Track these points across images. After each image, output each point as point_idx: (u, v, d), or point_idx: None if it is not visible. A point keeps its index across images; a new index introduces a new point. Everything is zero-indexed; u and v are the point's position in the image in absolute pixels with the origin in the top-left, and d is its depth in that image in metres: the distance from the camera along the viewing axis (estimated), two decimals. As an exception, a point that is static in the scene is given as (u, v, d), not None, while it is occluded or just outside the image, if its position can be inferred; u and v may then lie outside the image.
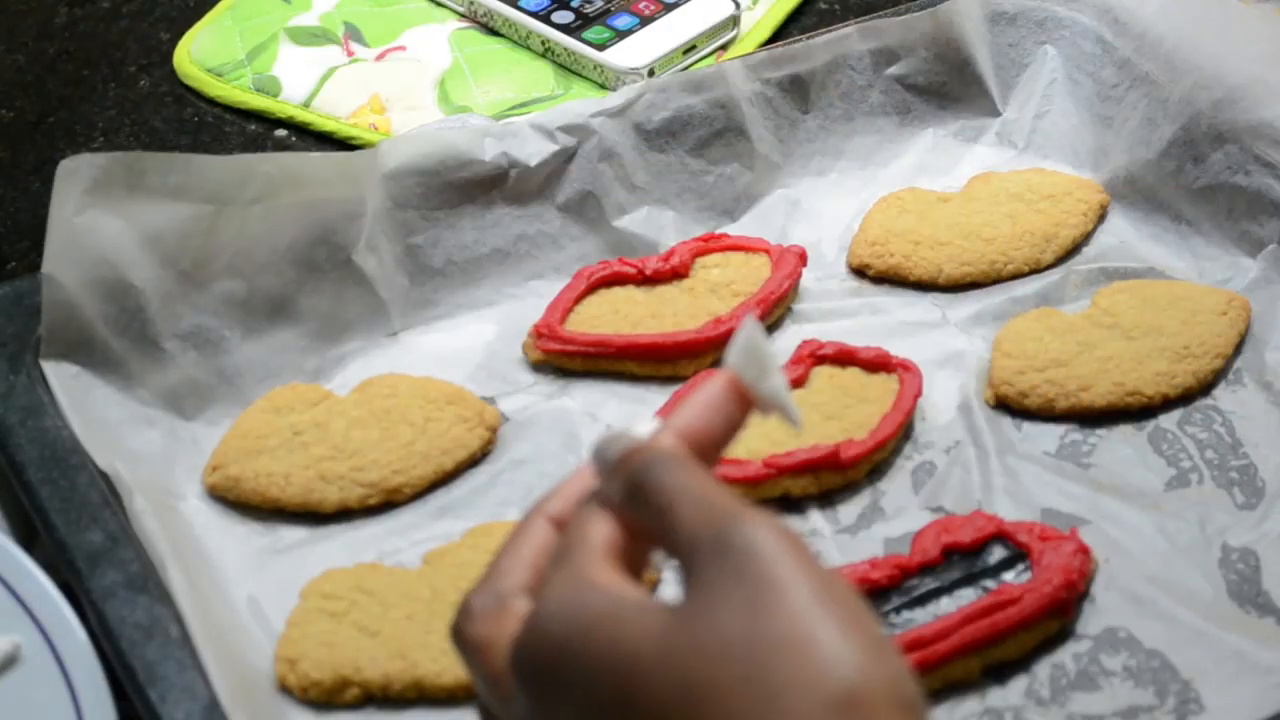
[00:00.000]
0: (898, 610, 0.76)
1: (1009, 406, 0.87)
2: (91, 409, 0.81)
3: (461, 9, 1.09)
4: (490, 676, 0.56)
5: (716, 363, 0.89)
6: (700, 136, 0.96)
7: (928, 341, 0.90)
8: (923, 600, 0.76)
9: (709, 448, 0.57)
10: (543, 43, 1.06)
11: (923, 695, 0.51)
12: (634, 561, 0.56)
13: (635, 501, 0.55)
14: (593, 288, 0.91)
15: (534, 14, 1.06)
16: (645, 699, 0.50)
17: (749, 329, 0.58)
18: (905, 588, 0.77)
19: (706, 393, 0.58)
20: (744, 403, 0.58)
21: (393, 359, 0.89)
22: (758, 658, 0.49)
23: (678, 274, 0.92)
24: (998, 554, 0.78)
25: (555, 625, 0.53)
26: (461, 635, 0.57)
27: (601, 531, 0.55)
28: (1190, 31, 0.96)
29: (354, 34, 1.08)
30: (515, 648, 0.54)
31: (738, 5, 1.07)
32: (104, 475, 0.78)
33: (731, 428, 0.58)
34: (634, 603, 0.53)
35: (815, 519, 0.82)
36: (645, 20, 1.06)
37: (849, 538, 0.81)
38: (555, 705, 0.53)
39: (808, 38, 0.99)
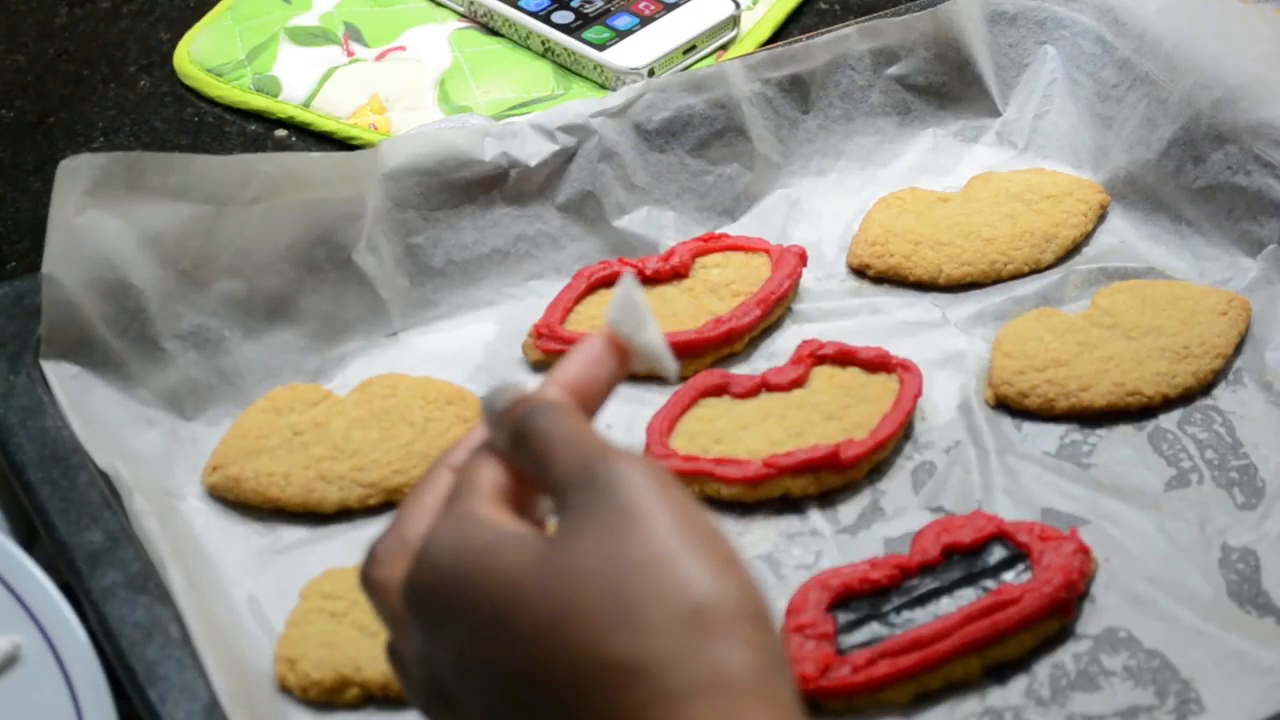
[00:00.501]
0: (898, 610, 0.76)
1: (1009, 406, 0.87)
2: (91, 409, 0.81)
3: (461, 9, 1.09)
4: (391, 616, 0.60)
5: (716, 362, 0.89)
6: (700, 136, 0.96)
7: (928, 341, 0.90)
8: (923, 600, 0.76)
9: (590, 398, 0.61)
10: (543, 43, 1.06)
11: (770, 607, 0.55)
12: (522, 504, 0.59)
13: (518, 447, 0.59)
14: (593, 288, 0.91)
15: (534, 14, 1.06)
16: (520, 620, 0.55)
17: (626, 285, 0.61)
18: (905, 588, 0.77)
19: (587, 348, 0.62)
20: (622, 356, 0.62)
21: (393, 359, 0.89)
22: (618, 578, 0.54)
23: (678, 274, 0.92)
24: (998, 554, 0.78)
25: (440, 558, 0.57)
26: (367, 578, 0.61)
27: (489, 475, 0.59)
28: (1190, 31, 0.96)
29: (354, 34, 1.08)
30: (406, 582, 0.58)
31: (738, 5, 1.07)
32: (104, 475, 0.78)
33: (612, 379, 0.62)
34: (513, 534, 0.57)
35: (815, 519, 0.82)
36: (645, 20, 1.06)
37: (849, 538, 0.81)
38: (442, 632, 0.57)
39: (808, 38, 0.99)
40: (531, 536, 0.57)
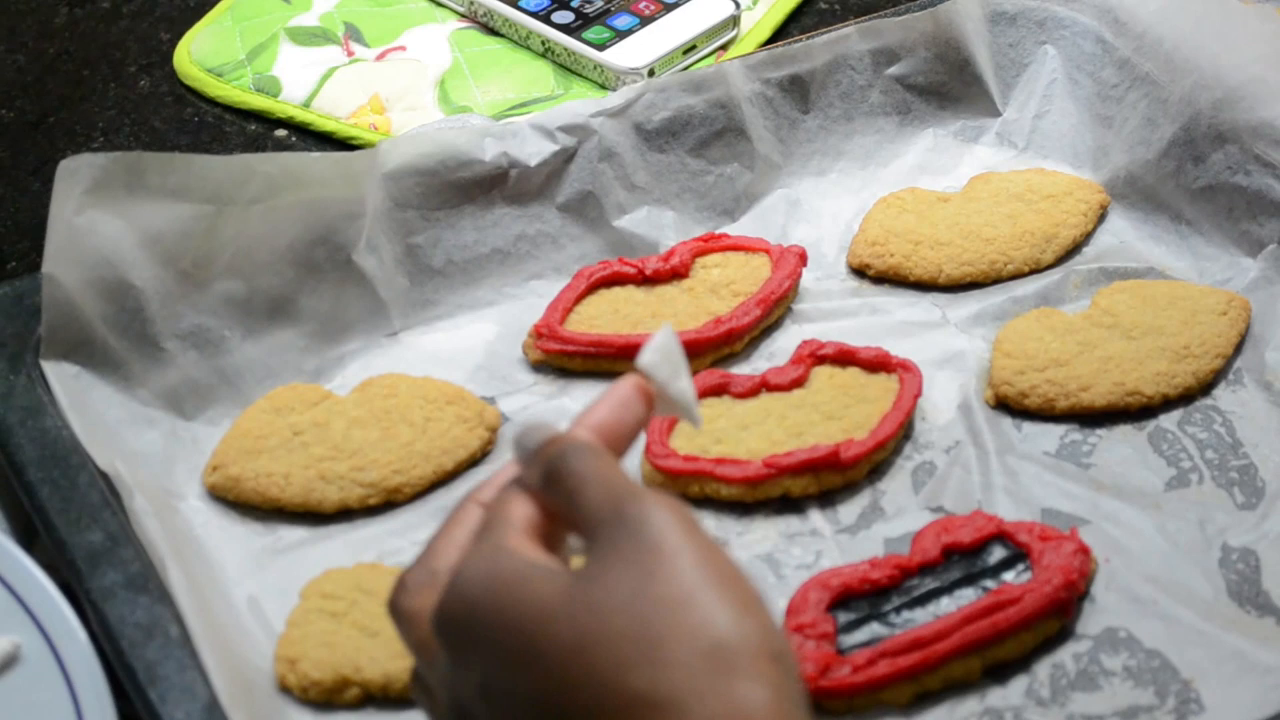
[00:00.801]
0: (898, 610, 0.76)
1: (1009, 406, 0.87)
2: (91, 409, 0.81)
3: (461, 9, 1.09)
4: (418, 643, 0.61)
5: (716, 362, 0.89)
6: (700, 136, 0.96)
7: (928, 341, 0.90)
8: (923, 600, 0.76)
9: (618, 441, 0.63)
10: (543, 43, 1.06)
11: (789, 648, 0.57)
12: (550, 539, 0.61)
13: (550, 485, 0.61)
14: (593, 288, 0.91)
15: (534, 14, 1.06)
16: (546, 650, 0.56)
17: (665, 334, 0.63)
18: (905, 588, 0.77)
19: (617, 392, 0.64)
20: (648, 402, 0.64)
21: (393, 359, 0.89)
22: (644, 613, 0.55)
23: (678, 274, 0.92)
24: (998, 554, 0.78)
25: (470, 587, 0.59)
26: (396, 607, 0.62)
27: (520, 510, 0.61)
28: (1190, 31, 0.96)
29: (354, 34, 1.08)
30: (436, 610, 0.59)
31: (738, 5, 1.07)
32: (104, 475, 0.78)
33: (638, 424, 0.64)
34: (542, 567, 0.58)
35: (815, 519, 0.82)
36: (645, 20, 1.06)
37: (849, 538, 0.81)
38: (470, 659, 0.58)
39: (808, 38, 0.99)
40: (560, 570, 0.58)
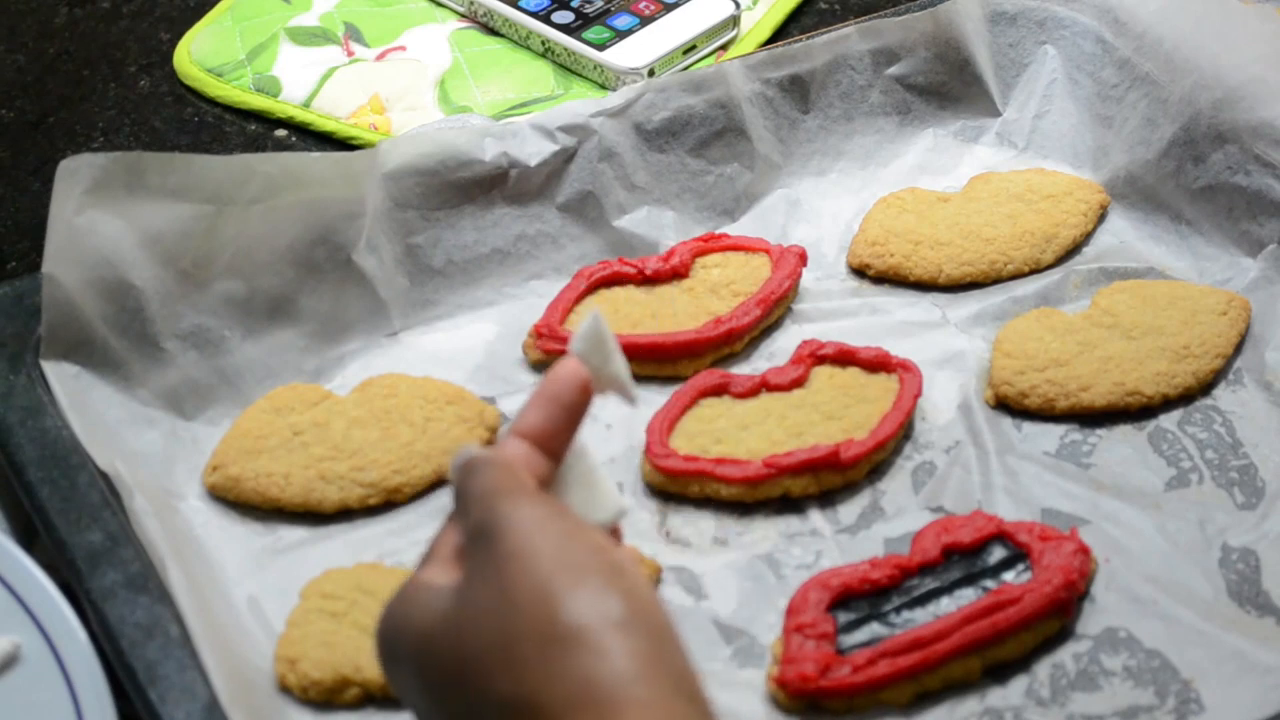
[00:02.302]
0: (898, 610, 0.76)
1: (1009, 406, 0.87)
2: (91, 409, 0.81)
3: (461, 9, 1.09)
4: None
5: (716, 362, 0.89)
6: (700, 136, 0.96)
7: (928, 341, 0.90)
8: (923, 600, 0.76)
9: (554, 438, 0.64)
10: (543, 43, 1.06)
11: (649, 609, 0.58)
12: None
13: (457, 508, 0.62)
14: (593, 288, 0.91)
15: (534, 14, 1.06)
16: (437, 677, 0.59)
17: (593, 320, 0.64)
18: (905, 588, 0.77)
19: (546, 388, 0.64)
20: (585, 392, 0.64)
21: (393, 359, 0.89)
22: (501, 621, 0.57)
23: (678, 274, 0.92)
24: (998, 554, 0.78)
25: (383, 625, 0.61)
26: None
27: (445, 537, 0.63)
28: (1190, 31, 0.96)
29: (354, 34, 1.08)
30: (376, 645, 0.63)
31: (738, 5, 1.07)
32: (104, 475, 0.78)
33: (575, 414, 0.64)
34: (436, 590, 0.60)
35: (815, 519, 0.82)
36: (645, 20, 1.06)
37: (849, 538, 0.81)
38: (403, 689, 0.61)
39: (808, 38, 0.99)
40: (446, 592, 0.60)
